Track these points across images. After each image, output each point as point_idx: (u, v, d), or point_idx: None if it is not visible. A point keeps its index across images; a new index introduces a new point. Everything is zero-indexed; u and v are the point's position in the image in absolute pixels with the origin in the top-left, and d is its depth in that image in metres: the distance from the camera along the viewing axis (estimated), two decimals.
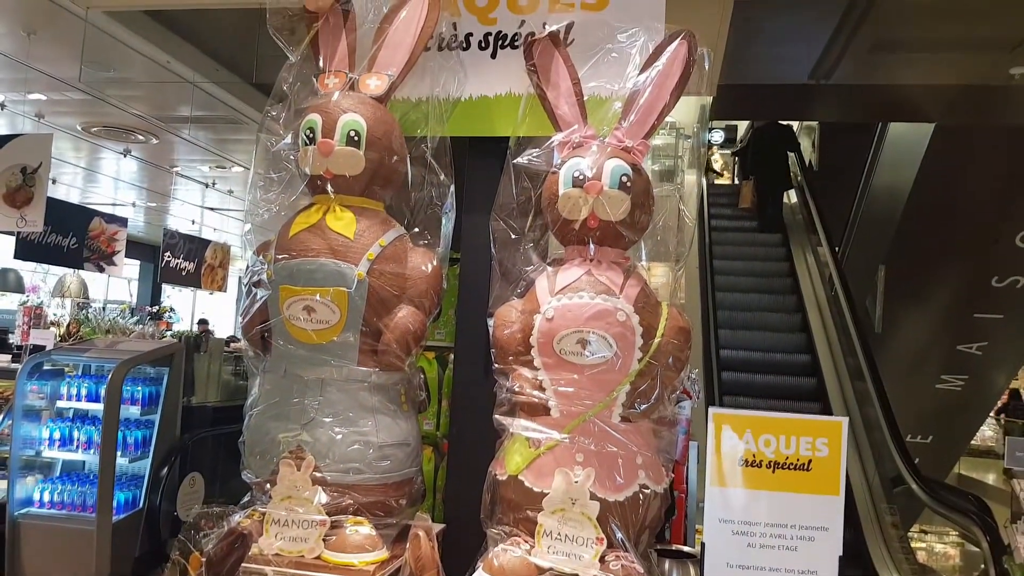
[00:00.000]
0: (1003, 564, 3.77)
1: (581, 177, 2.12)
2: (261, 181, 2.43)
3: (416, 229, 2.48)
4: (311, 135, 2.25)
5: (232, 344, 6.73)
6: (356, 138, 2.23)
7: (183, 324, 14.62)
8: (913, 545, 5.92)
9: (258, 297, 2.29)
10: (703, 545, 2.24)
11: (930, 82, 5.17)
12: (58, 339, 6.96)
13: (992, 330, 6.85)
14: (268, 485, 2.23)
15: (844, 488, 2.20)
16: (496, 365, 2.25)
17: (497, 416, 2.22)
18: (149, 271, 14.67)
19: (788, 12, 4.59)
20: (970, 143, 5.69)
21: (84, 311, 10.38)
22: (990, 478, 10.78)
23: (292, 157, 2.37)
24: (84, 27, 5.18)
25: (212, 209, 10.43)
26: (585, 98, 2.29)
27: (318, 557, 2.13)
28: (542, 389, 2.15)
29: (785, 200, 9.20)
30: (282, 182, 2.43)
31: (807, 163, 9.40)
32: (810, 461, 2.20)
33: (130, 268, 14.12)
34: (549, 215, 2.23)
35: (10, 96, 6.59)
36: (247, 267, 2.37)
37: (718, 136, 10.97)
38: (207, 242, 11.81)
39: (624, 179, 2.12)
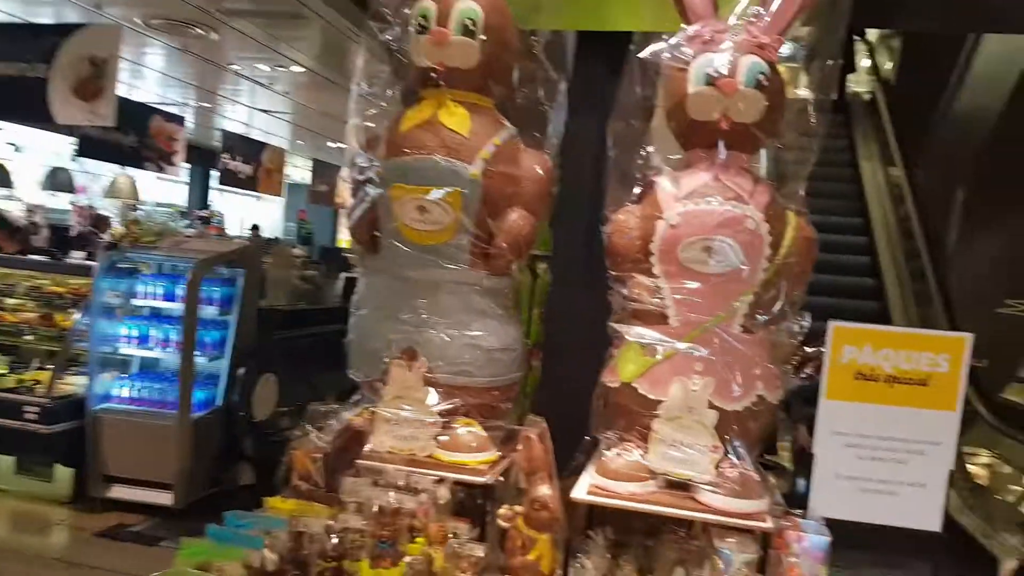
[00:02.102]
0: None
1: (715, 75, 1.99)
2: (366, 75, 2.34)
3: (523, 128, 2.38)
4: (424, 23, 2.13)
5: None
6: (472, 27, 2.12)
7: (232, 230, 14.76)
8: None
9: (368, 196, 2.24)
10: (810, 456, 2.23)
11: None
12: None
13: None
14: (379, 384, 2.24)
15: (962, 404, 2.17)
16: (611, 272, 2.20)
17: (612, 323, 2.18)
18: (198, 174, 14.73)
19: None
20: None
21: (135, 212, 10.49)
22: None
23: (401, 49, 2.26)
24: None
25: (265, 111, 10.30)
26: None
27: (429, 456, 2.16)
28: (660, 297, 2.10)
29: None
30: (388, 76, 2.33)
31: (884, 78, 8.97)
32: (929, 377, 2.15)
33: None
34: (675, 116, 2.12)
35: None
36: (354, 163, 2.30)
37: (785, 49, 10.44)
38: (264, 145, 11.68)
39: (761, 78, 1.99)
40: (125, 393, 4.77)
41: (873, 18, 3.17)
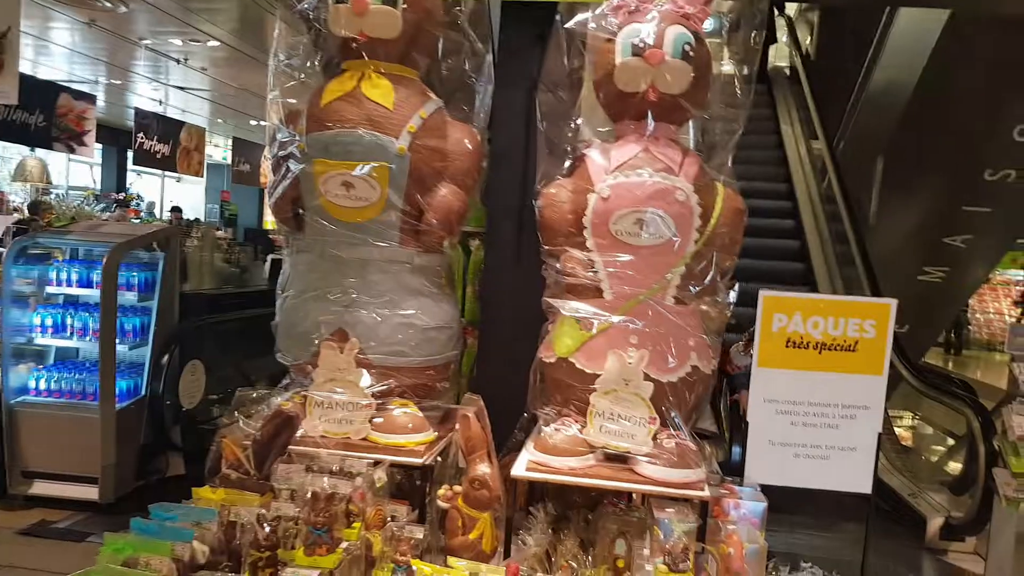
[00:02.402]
0: (993, 443, 3.93)
1: (641, 45, 1.97)
2: (284, 46, 2.23)
3: (449, 101, 2.32)
4: None
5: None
6: None
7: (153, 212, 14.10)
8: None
9: (290, 172, 2.15)
10: (745, 424, 2.26)
11: None
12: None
13: (979, 223, 6.92)
14: (310, 368, 2.17)
15: (888, 368, 2.23)
16: (544, 247, 2.17)
17: (546, 298, 2.16)
18: (112, 155, 13.98)
19: None
20: (985, 35, 5.49)
21: (46, 196, 9.91)
22: (949, 365, 11.42)
23: (319, 18, 2.16)
24: None
25: (181, 88, 9.81)
26: None
27: (364, 439, 2.10)
28: (594, 271, 2.08)
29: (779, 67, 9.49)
30: (307, 48, 2.23)
31: (804, 51, 9.18)
32: (857, 342, 2.20)
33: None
34: (602, 88, 2.09)
35: None
36: (274, 138, 2.20)
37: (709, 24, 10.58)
38: (181, 123, 11.16)
39: (687, 48, 1.98)
40: (43, 385, 4.55)
41: None
